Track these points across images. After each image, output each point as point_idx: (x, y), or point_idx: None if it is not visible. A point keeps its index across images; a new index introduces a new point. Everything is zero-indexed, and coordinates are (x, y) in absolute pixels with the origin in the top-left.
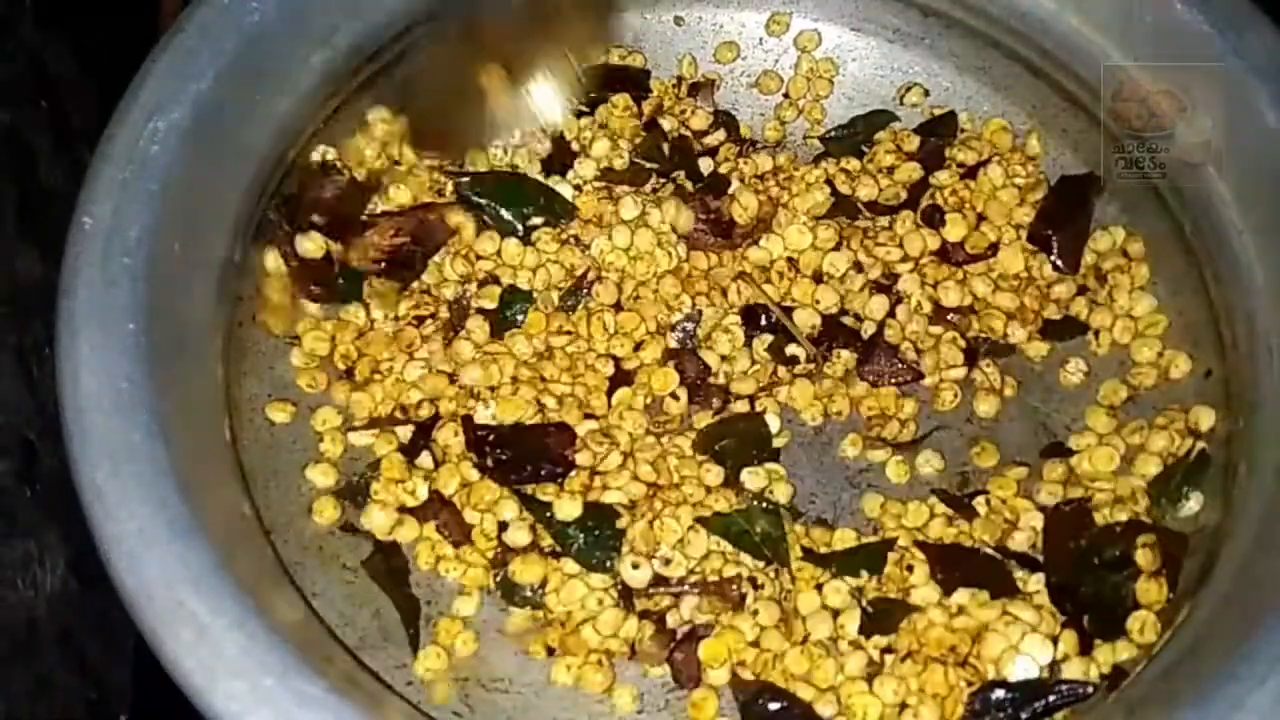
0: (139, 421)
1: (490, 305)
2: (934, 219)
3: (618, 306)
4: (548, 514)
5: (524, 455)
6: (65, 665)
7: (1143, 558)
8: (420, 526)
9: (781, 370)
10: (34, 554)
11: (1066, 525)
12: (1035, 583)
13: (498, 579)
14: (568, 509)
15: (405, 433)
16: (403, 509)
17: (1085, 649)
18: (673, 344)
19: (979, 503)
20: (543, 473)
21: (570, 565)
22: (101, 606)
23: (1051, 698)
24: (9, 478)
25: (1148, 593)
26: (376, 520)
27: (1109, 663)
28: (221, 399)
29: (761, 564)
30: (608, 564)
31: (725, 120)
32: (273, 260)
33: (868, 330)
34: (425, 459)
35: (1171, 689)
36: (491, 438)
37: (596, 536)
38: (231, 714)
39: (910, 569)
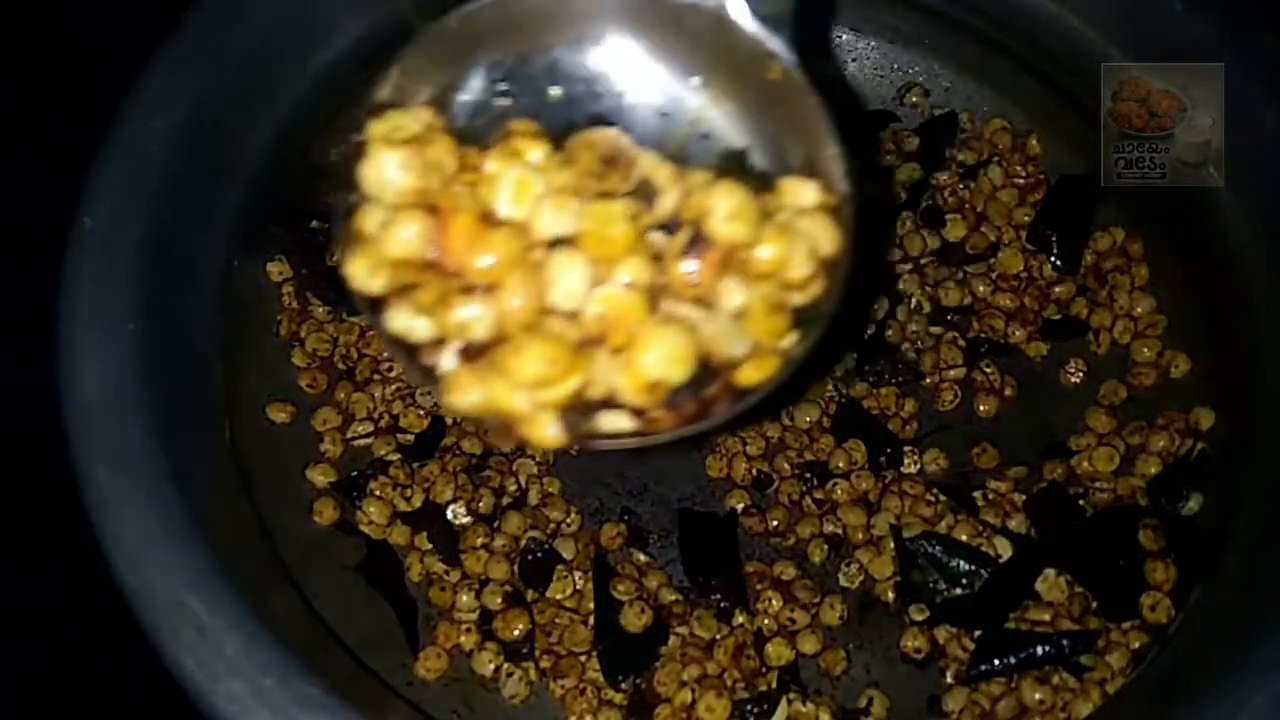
0: (139, 421)
1: None
2: (934, 219)
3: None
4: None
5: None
6: (65, 665)
7: (1146, 538)
8: (412, 535)
9: None
10: (34, 554)
11: (1050, 510)
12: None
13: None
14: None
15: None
16: (397, 513)
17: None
18: None
19: (977, 495)
20: None
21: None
22: (102, 606)
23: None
24: (10, 478)
25: (1155, 572)
26: (371, 518)
27: (1131, 645)
28: (221, 399)
29: None
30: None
31: None
32: (277, 269)
33: (868, 330)
34: (430, 468)
35: (1171, 690)
36: None
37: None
38: (231, 714)
39: None
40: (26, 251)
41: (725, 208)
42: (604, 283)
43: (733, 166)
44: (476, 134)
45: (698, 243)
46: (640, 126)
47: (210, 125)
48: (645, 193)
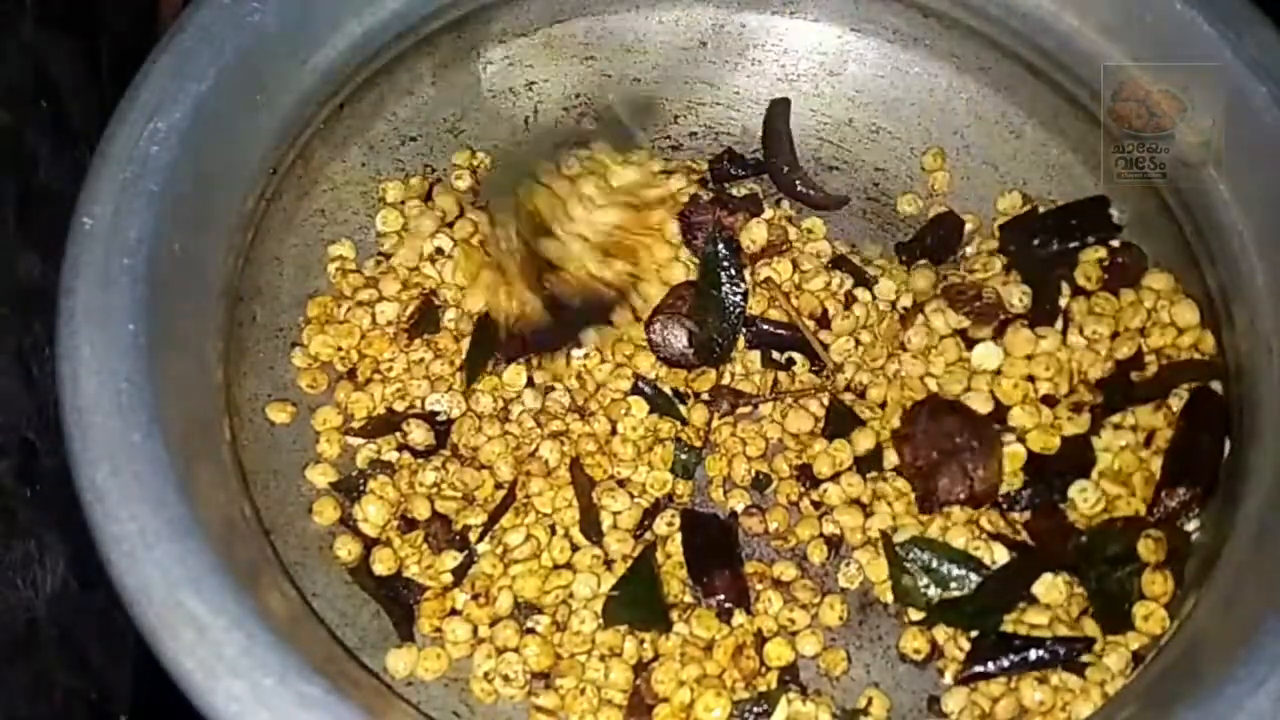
0: (139, 421)
1: None
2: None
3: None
4: None
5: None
6: (65, 665)
7: (1145, 549)
8: (412, 535)
9: (782, 376)
10: (34, 554)
11: (1048, 517)
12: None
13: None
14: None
15: (419, 435)
16: (396, 513)
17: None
18: None
19: None
20: None
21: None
22: (101, 606)
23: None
24: (9, 478)
25: (1153, 584)
26: (370, 518)
27: (1130, 646)
28: (221, 399)
29: None
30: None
31: None
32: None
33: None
34: (429, 475)
35: (1171, 690)
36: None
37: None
38: (231, 714)
39: None
40: (25, 251)
41: None
42: None
43: None
44: None
45: None
46: None
47: (210, 125)
48: None
